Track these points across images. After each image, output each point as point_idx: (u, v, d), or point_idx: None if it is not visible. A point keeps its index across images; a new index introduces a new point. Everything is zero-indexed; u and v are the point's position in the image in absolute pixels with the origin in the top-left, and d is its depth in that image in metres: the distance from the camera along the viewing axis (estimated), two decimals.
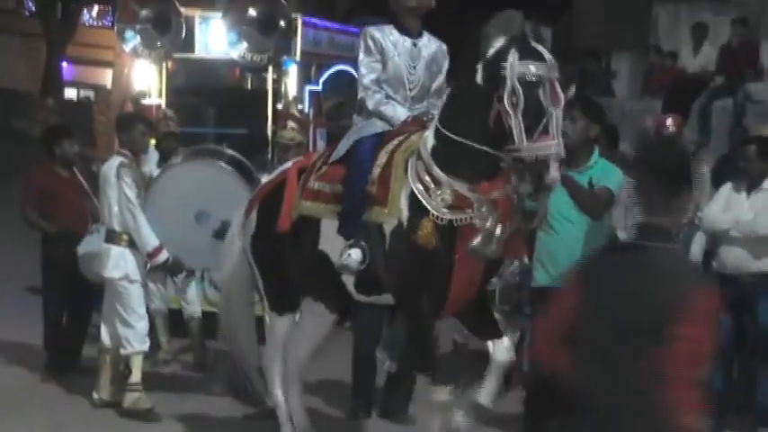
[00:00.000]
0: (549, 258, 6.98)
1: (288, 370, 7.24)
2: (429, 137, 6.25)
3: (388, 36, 6.79)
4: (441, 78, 7.00)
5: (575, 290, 4.17)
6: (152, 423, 8.36)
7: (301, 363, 7.31)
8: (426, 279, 6.20)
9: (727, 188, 8.57)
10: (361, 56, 6.85)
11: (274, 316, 7.29)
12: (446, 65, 7.00)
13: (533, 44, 5.85)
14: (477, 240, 6.03)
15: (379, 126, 6.68)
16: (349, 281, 6.64)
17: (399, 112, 6.67)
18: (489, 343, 6.41)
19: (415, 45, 6.85)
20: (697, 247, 8.57)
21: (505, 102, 5.74)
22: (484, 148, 6.01)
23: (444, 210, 6.07)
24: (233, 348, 7.92)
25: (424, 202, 6.11)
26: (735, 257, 8.36)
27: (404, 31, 6.83)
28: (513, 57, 5.78)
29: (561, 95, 5.78)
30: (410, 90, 6.84)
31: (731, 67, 15.27)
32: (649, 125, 9.53)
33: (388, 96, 6.75)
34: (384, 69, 6.77)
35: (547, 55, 5.82)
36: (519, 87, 5.72)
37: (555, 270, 6.83)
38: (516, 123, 5.73)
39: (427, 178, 6.14)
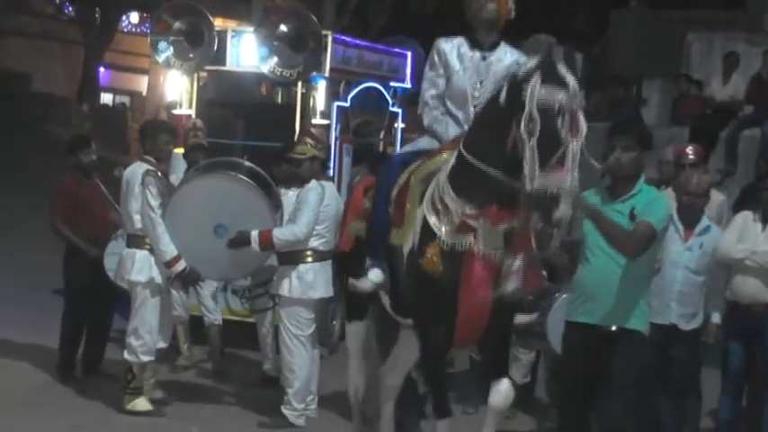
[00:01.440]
0: (584, 292, 6.57)
1: (382, 395, 7.21)
2: (452, 157, 6.02)
3: (457, 49, 6.54)
4: None
5: None
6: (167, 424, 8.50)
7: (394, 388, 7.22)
8: (433, 305, 6.02)
9: (741, 217, 8.58)
10: (426, 69, 6.68)
11: (347, 324, 7.30)
12: None
13: (560, 70, 5.52)
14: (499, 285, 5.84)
15: (425, 144, 6.59)
16: (386, 301, 6.56)
17: (450, 131, 6.47)
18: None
19: (484, 59, 6.55)
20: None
21: (522, 127, 5.45)
22: (498, 174, 5.74)
23: (450, 233, 5.87)
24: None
25: (433, 225, 5.93)
26: (750, 288, 8.35)
27: (475, 43, 6.56)
28: (535, 80, 5.49)
29: (582, 127, 5.47)
30: (475, 107, 6.48)
31: (760, 98, 15.28)
32: (669, 154, 9.53)
33: (448, 113, 6.55)
34: (448, 85, 6.54)
35: (572, 83, 5.50)
36: (536, 114, 5.42)
37: (591, 305, 6.48)
38: (530, 152, 5.42)
39: (440, 201, 5.93)
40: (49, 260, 10.86)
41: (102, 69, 34.53)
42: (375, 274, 6.34)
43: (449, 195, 5.90)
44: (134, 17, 37.67)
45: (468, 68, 6.52)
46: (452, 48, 6.54)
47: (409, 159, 6.51)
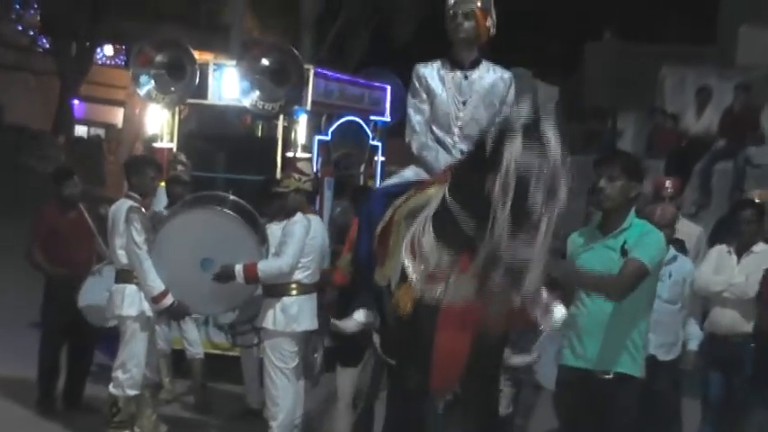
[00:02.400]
0: (576, 335, 6.24)
1: None
2: (439, 195, 5.66)
3: (437, 71, 6.39)
4: (502, 111, 6.30)
5: None
6: None
7: None
8: (405, 348, 5.83)
9: (716, 251, 8.70)
10: (409, 97, 6.50)
11: (340, 369, 7.26)
12: (509, 96, 6.39)
13: (546, 132, 5.11)
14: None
15: (410, 175, 6.34)
16: (377, 341, 6.44)
17: (441, 160, 6.21)
18: None
19: (466, 78, 6.38)
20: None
21: (496, 189, 5.06)
22: (473, 222, 5.32)
23: (421, 282, 5.55)
24: None
25: (406, 269, 5.63)
26: (728, 319, 8.49)
27: (455, 63, 6.39)
28: (517, 141, 5.08)
29: (562, 197, 5.06)
30: (461, 128, 6.33)
31: (733, 131, 15.49)
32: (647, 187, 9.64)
33: (436, 140, 6.35)
34: (431, 109, 6.36)
35: (555, 149, 5.07)
36: (513, 178, 5.03)
37: (581, 349, 6.18)
38: (501, 215, 5.05)
39: (418, 244, 5.59)
40: (26, 292, 10.86)
41: (76, 101, 34.47)
42: (360, 315, 6.16)
43: (428, 240, 5.57)
44: (108, 49, 37.69)
45: (450, 89, 6.38)
46: (432, 71, 6.41)
47: (394, 192, 6.22)
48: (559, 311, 5.72)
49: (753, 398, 8.26)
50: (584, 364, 6.16)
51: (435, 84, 6.38)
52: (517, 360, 6.28)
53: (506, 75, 6.45)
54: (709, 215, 13.96)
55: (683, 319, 8.36)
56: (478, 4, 6.30)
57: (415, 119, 6.40)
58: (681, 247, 8.70)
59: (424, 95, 6.38)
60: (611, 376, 6.08)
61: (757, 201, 9.02)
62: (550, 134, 5.12)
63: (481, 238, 5.17)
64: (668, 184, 9.46)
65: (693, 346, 8.49)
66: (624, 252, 6.01)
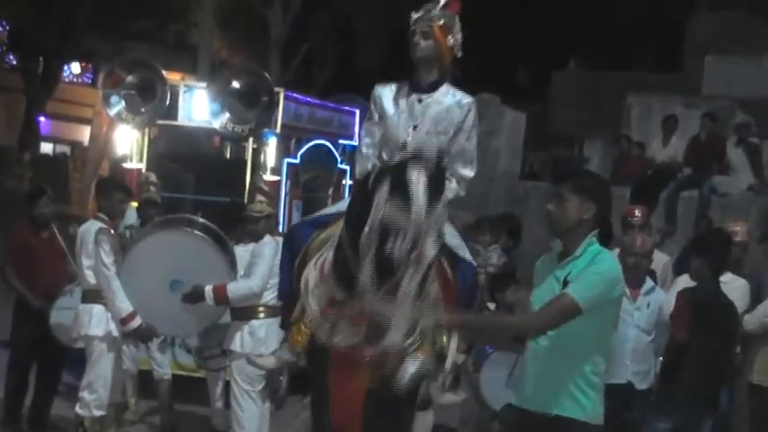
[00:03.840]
0: (523, 372, 5.63)
1: None
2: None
3: (395, 93, 6.06)
4: (457, 139, 6.00)
5: None
6: None
7: None
8: (308, 384, 5.79)
9: (683, 281, 8.62)
10: (365, 119, 6.27)
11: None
12: (467, 122, 6.00)
13: (412, 183, 4.85)
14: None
15: (344, 205, 5.87)
16: None
17: None
18: None
19: (420, 101, 6.02)
20: None
21: (362, 238, 4.87)
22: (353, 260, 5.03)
23: (314, 318, 5.38)
24: None
25: (303, 303, 5.47)
26: None
27: (415, 85, 6.05)
28: (385, 187, 4.88)
29: (427, 253, 4.82)
30: (415, 157, 5.67)
31: (698, 160, 15.63)
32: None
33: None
34: (383, 132, 6.06)
35: (420, 202, 4.81)
36: (377, 228, 4.83)
37: (521, 387, 5.51)
38: (365, 267, 4.84)
39: (309, 277, 5.40)
40: None
41: (43, 119, 34.35)
42: (282, 351, 6.01)
43: (315, 276, 5.38)
44: (75, 67, 37.61)
45: (402, 112, 6.02)
46: (389, 92, 6.10)
47: (320, 222, 5.97)
48: (412, 366, 5.16)
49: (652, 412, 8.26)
50: (523, 404, 5.42)
51: (389, 106, 6.07)
52: (446, 399, 5.97)
53: (466, 100, 6.06)
54: (675, 244, 14.07)
55: (656, 348, 8.40)
56: (439, 22, 6.00)
57: (364, 141, 6.14)
58: (653, 277, 8.79)
59: (377, 116, 6.09)
60: (550, 417, 5.26)
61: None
62: (417, 185, 4.87)
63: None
64: (637, 212, 9.54)
65: None
66: (565, 284, 5.19)
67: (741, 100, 17.97)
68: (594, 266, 5.16)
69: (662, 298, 8.44)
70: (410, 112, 6.02)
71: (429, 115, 6.00)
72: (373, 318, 4.85)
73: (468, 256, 6.03)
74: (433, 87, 6.04)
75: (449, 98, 6.04)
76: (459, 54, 6.10)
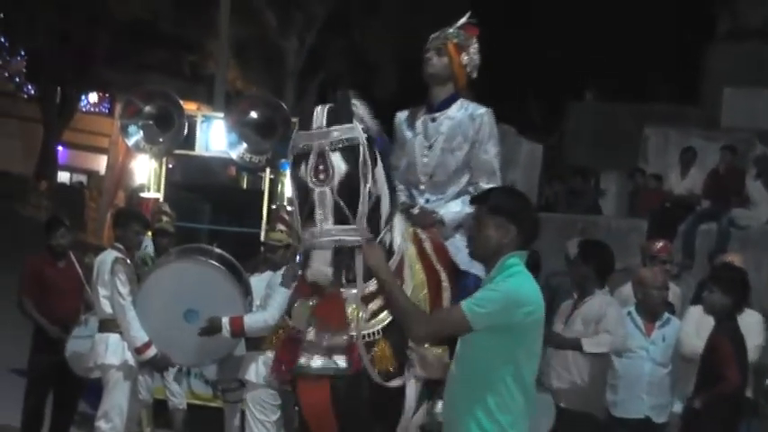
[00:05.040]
0: None
1: None
2: None
3: (412, 116, 6.06)
4: (474, 152, 5.89)
5: None
6: None
7: None
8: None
9: (696, 312, 8.46)
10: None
11: None
12: (481, 134, 5.89)
13: (315, 110, 4.99)
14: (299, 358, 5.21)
15: None
16: None
17: None
18: None
19: (433, 120, 5.97)
20: None
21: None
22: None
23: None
24: None
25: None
26: None
27: (429, 105, 6.03)
28: (296, 126, 5.10)
29: (333, 167, 4.88)
30: (426, 176, 5.96)
31: (717, 193, 15.55)
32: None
33: (408, 192, 6.00)
34: (405, 157, 6.01)
35: (319, 119, 4.95)
36: (291, 163, 5.06)
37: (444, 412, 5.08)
38: (294, 207, 5.07)
39: None
40: (12, 339, 10.77)
41: (60, 148, 34.55)
42: None
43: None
44: (93, 97, 37.83)
45: (418, 134, 5.99)
46: (406, 117, 6.09)
47: None
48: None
49: None
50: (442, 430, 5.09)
51: (406, 130, 6.06)
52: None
53: (479, 111, 5.95)
54: (692, 277, 13.99)
55: (673, 380, 8.33)
56: (454, 40, 6.00)
57: (394, 174, 5.89)
58: (671, 309, 8.73)
59: (398, 148, 6.04)
60: None
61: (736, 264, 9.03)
62: (318, 111, 5.01)
63: None
64: (660, 247, 9.53)
65: (679, 408, 8.46)
66: None
67: (760, 132, 17.87)
68: (496, 284, 4.75)
69: (677, 330, 8.39)
70: (425, 133, 5.97)
71: (441, 132, 5.94)
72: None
73: (474, 270, 5.55)
74: (446, 104, 5.99)
75: (461, 112, 5.96)
76: (474, 75, 6.05)
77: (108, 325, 8.52)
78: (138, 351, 8.38)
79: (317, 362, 5.19)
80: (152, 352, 8.39)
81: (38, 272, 9.69)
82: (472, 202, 5.19)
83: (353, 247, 4.97)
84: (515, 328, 4.65)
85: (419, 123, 6.00)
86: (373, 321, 5.22)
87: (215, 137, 11.42)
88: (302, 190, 4.94)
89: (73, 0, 29.54)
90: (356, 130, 5.00)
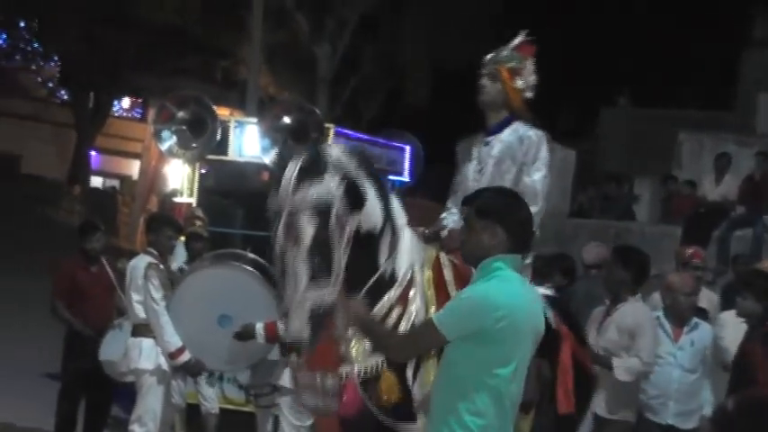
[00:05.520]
0: None
1: None
2: None
3: (471, 144, 6.11)
4: (520, 175, 5.87)
5: None
6: None
7: None
8: None
9: (729, 317, 8.31)
10: None
11: None
12: (528, 156, 5.88)
13: (291, 163, 4.91)
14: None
15: None
16: None
17: None
18: None
19: (486, 144, 6.02)
20: None
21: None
22: None
23: None
24: None
25: None
26: None
27: (485, 131, 6.05)
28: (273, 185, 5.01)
29: (302, 232, 4.78)
30: None
31: (752, 198, 15.45)
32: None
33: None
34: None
35: (289, 177, 4.84)
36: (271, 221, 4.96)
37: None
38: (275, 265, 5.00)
39: None
40: (44, 343, 10.81)
41: (93, 153, 34.73)
42: None
43: None
44: (125, 102, 38.03)
45: (474, 159, 6.05)
46: (466, 145, 6.19)
47: None
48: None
49: None
50: None
51: (465, 158, 6.12)
52: None
53: (529, 133, 5.93)
54: (726, 282, 13.89)
55: (702, 385, 8.26)
56: (508, 65, 5.99)
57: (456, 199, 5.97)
58: (704, 315, 8.65)
59: (458, 176, 6.12)
60: None
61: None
62: (288, 172, 4.91)
63: None
64: (693, 252, 9.46)
65: (708, 411, 8.39)
66: None
67: None
68: (465, 290, 4.68)
69: (709, 336, 8.32)
70: (479, 158, 6.00)
71: (492, 156, 5.94)
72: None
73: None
74: (500, 128, 5.98)
75: (513, 135, 5.94)
76: (530, 95, 6.02)
77: (141, 330, 8.55)
78: (171, 356, 8.40)
79: (310, 401, 5.29)
80: (185, 357, 8.41)
81: (71, 276, 9.73)
82: (463, 203, 5.11)
83: (331, 306, 4.90)
84: (486, 333, 4.48)
85: (475, 150, 6.03)
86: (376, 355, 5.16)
87: (248, 142, 11.41)
88: (279, 249, 4.85)
89: (106, 6, 29.72)
90: (327, 187, 4.87)
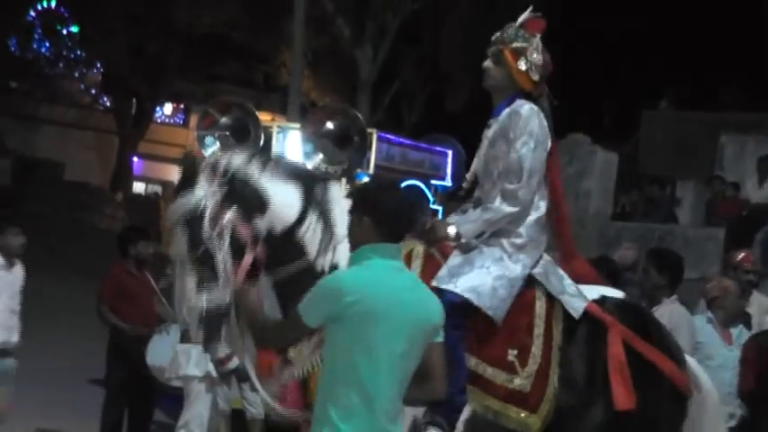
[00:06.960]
0: None
1: None
2: None
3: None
4: (512, 149, 5.49)
5: None
6: None
7: None
8: None
9: None
10: None
11: None
12: (512, 131, 5.51)
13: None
14: None
15: None
16: None
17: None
18: None
19: (489, 127, 5.70)
20: None
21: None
22: None
23: None
24: None
25: None
26: None
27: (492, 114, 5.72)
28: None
29: (179, 243, 5.07)
30: (481, 185, 5.73)
31: None
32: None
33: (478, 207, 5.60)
34: None
35: (200, 191, 5.11)
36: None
37: None
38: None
39: None
40: (86, 349, 10.88)
41: (135, 159, 34.94)
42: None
43: None
44: (168, 108, 38.23)
45: (482, 146, 5.76)
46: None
47: None
48: None
49: None
50: None
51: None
52: None
53: (520, 108, 5.54)
54: None
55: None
56: (511, 45, 5.58)
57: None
58: (747, 319, 8.64)
59: None
60: None
61: None
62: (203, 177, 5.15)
63: None
64: (743, 257, 9.45)
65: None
66: None
67: None
68: (323, 278, 4.84)
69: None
70: (483, 143, 5.74)
71: (487, 138, 5.68)
72: None
73: (451, 287, 5.40)
74: (501, 109, 5.66)
75: (507, 114, 5.60)
76: (537, 77, 5.59)
77: (190, 336, 8.60)
78: (220, 362, 8.43)
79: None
80: (234, 363, 8.43)
81: (118, 280, 9.82)
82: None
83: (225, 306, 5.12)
84: (342, 319, 4.42)
85: (483, 137, 5.75)
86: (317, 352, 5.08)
87: (291, 147, 11.47)
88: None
89: (148, 13, 29.92)
90: (198, 195, 5.09)
